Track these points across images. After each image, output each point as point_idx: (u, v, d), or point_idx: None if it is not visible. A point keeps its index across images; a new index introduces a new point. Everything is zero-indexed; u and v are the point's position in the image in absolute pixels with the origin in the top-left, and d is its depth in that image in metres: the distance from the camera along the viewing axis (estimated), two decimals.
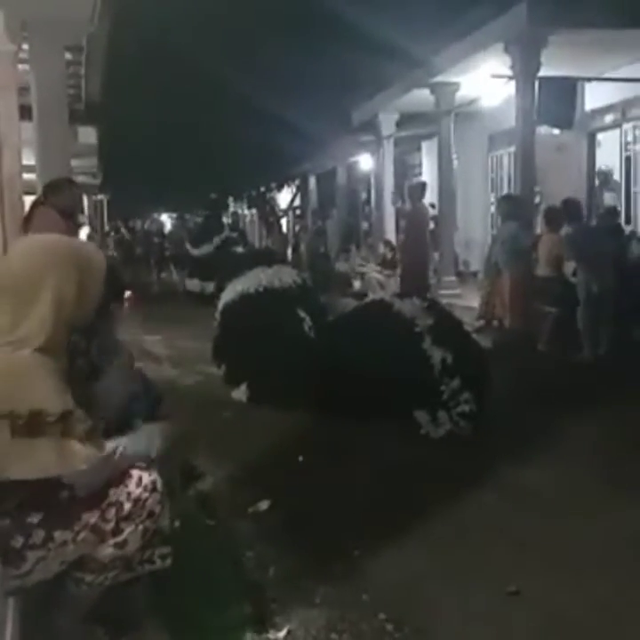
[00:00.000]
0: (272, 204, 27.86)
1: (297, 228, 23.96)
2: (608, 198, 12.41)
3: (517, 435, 5.52)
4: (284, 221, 26.53)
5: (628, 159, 12.37)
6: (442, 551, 3.75)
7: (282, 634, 3.08)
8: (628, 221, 11.67)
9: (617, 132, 12.51)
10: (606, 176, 12.60)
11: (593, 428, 5.67)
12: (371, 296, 10.04)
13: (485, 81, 11.70)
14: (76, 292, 2.36)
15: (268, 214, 26.45)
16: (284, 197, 28.21)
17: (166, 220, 41.94)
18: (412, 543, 3.83)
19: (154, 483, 2.52)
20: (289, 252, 17.09)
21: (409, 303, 6.15)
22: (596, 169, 12.97)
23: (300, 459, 5.08)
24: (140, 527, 2.48)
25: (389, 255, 14.42)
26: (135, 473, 2.52)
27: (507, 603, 3.26)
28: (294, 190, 26.99)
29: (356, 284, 14.76)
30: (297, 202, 27.13)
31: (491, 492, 4.47)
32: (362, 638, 3.03)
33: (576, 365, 7.73)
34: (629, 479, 4.61)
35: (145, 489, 2.50)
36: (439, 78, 12.43)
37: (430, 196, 14.01)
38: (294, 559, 3.67)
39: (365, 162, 19.46)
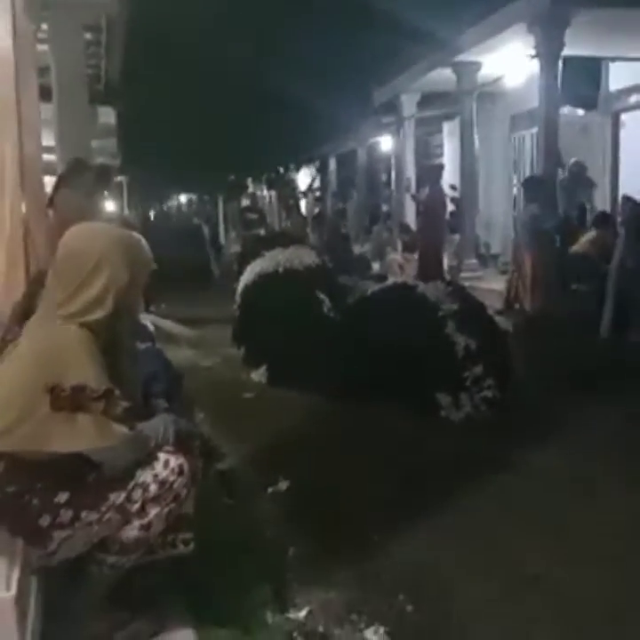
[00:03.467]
0: (292, 185, 27.78)
1: (316, 209, 23.88)
2: None
3: (539, 419, 5.48)
4: (303, 203, 26.45)
5: None
6: (460, 534, 3.75)
7: (302, 614, 3.10)
8: None
9: None
10: None
11: (618, 412, 5.61)
12: (391, 279, 10.01)
13: (508, 60, 11.55)
14: (127, 280, 2.49)
15: (288, 196, 26.37)
16: (303, 179, 28.11)
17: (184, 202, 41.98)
18: (431, 525, 3.83)
19: (181, 466, 2.53)
20: (308, 233, 17.03)
21: (433, 287, 6.12)
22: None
23: (320, 441, 5.08)
24: (166, 509, 2.49)
25: (407, 238, 14.34)
26: (162, 455, 2.53)
27: (526, 586, 3.26)
28: (314, 172, 26.88)
29: (376, 267, 14.71)
30: (317, 183, 27.03)
31: (510, 475, 4.46)
32: (381, 619, 3.04)
33: (600, 346, 7.60)
34: None
35: (172, 472, 2.51)
36: (461, 57, 12.28)
37: (452, 178, 13.91)
38: (314, 540, 3.68)
39: (386, 143, 19.31)
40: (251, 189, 30.95)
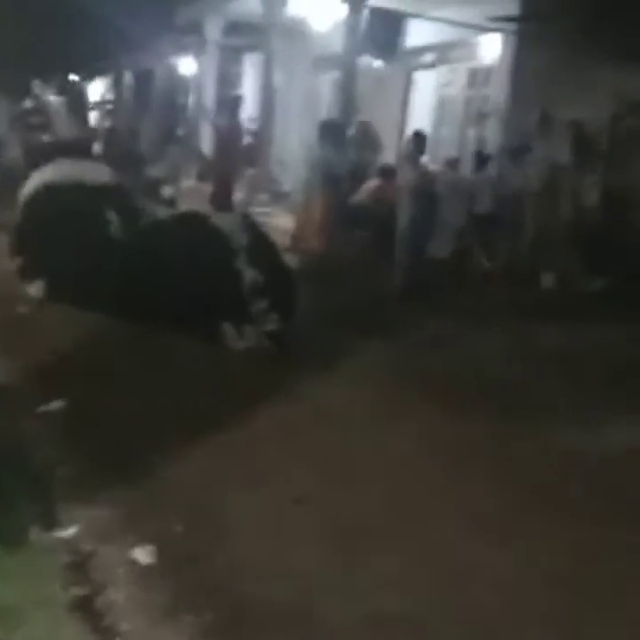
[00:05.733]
0: (83, 94, 26.11)
1: (108, 123, 22.70)
2: None
3: (318, 352, 5.67)
4: (93, 115, 25.01)
5: (440, 101, 12.78)
6: (235, 459, 3.86)
7: (69, 532, 3.06)
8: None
9: (433, 72, 12.85)
10: None
11: (391, 346, 5.97)
12: (181, 205, 9.84)
13: (314, 1, 11.58)
14: None
15: (78, 105, 24.77)
16: (96, 90, 26.54)
17: None
18: (207, 450, 3.90)
19: None
20: (97, 147, 16.18)
21: (226, 218, 6.09)
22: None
23: (98, 362, 4.96)
24: None
25: (202, 165, 14.10)
26: None
27: (292, 508, 3.43)
28: (109, 84, 25.46)
29: (168, 191, 14.33)
30: (110, 96, 25.63)
31: (286, 404, 4.62)
32: (150, 538, 3.07)
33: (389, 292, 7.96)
34: (413, 400, 4.92)
35: None
36: None
37: (250, 111, 13.80)
38: (86, 461, 3.64)
39: (187, 65, 18.69)
40: (37, 92, 28.70)
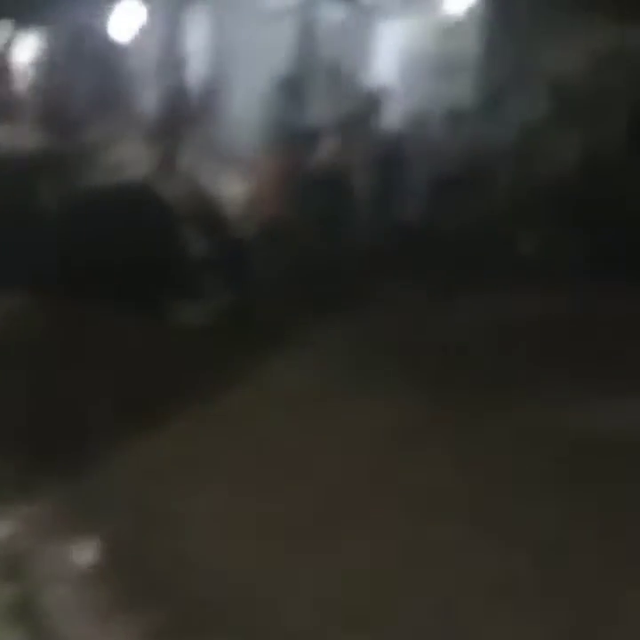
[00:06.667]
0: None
1: (38, 83, 22.30)
2: None
3: (274, 328, 5.62)
4: (22, 74, 24.53)
5: (407, 53, 12.74)
6: (185, 444, 3.93)
7: (4, 530, 3.07)
8: None
9: (399, 22, 12.80)
10: None
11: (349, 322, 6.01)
12: (124, 172, 9.75)
13: None
14: None
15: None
16: (25, 47, 25.98)
17: None
18: (156, 435, 3.95)
19: None
20: (27, 110, 15.89)
21: (172, 185, 6.08)
22: None
23: (36, 346, 4.93)
24: None
25: (146, 128, 13.93)
26: None
27: (239, 502, 3.46)
28: (38, 40, 24.94)
29: (108, 156, 14.14)
30: (41, 54, 25.16)
31: (239, 383, 4.67)
32: (90, 536, 3.10)
33: None
34: (378, 378, 4.96)
35: None
36: None
37: (198, 68, 13.64)
38: (22, 456, 3.65)
39: (125, 21, 18.40)
40: None
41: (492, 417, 4.44)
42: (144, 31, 15.38)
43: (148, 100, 15.00)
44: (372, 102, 8.64)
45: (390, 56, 12.88)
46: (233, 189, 10.81)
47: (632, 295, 6.59)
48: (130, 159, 13.23)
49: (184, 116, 11.80)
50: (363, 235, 7.95)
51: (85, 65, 20.28)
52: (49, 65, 22.92)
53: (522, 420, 4.44)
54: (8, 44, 24.09)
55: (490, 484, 3.72)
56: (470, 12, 10.78)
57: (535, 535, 3.29)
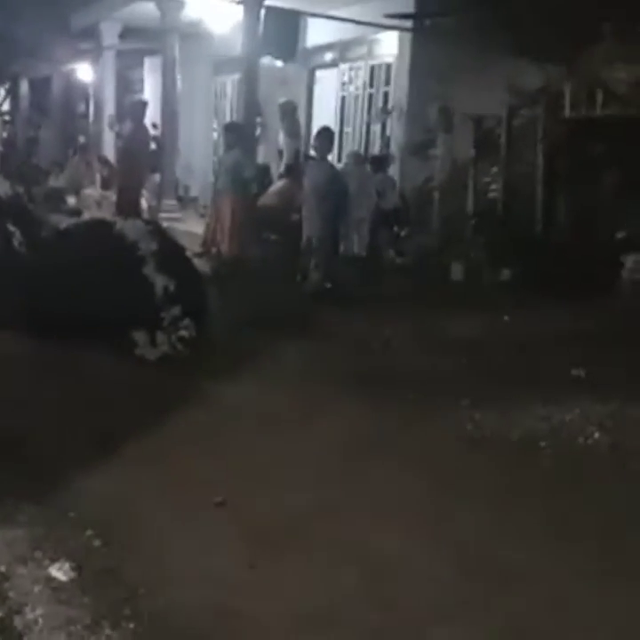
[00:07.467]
0: None
1: (5, 134, 22.07)
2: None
3: (232, 356, 5.69)
4: None
5: (342, 99, 12.94)
6: (152, 468, 3.85)
7: None
8: (339, 160, 12.26)
9: (335, 71, 13.00)
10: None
11: (300, 348, 6.04)
12: (86, 214, 9.68)
13: (211, 4, 11.57)
14: None
15: None
16: None
17: None
18: (123, 460, 3.90)
19: None
20: None
21: (131, 225, 6.04)
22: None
23: (6, 378, 4.83)
24: None
25: (106, 173, 13.89)
26: None
27: (212, 514, 3.44)
28: (3, 93, 24.68)
29: (71, 201, 14.06)
30: (6, 106, 24.87)
31: (201, 409, 4.64)
32: (67, 555, 3.03)
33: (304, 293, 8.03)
34: (327, 396, 5.00)
35: None
36: None
37: (152, 116, 13.66)
38: None
39: (85, 72, 18.33)
40: None
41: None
42: (102, 82, 15.38)
43: (110, 146, 14.97)
44: (317, 143, 8.65)
45: (329, 101, 13.08)
46: (191, 228, 10.83)
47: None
48: (94, 202, 13.17)
49: (143, 160, 11.79)
50: (314, 267, 8.00)
51: (49, 116, 20.08)
52: (15, 117, 22.63)
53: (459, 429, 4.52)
54: None
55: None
56: (398, 58, 10.99)
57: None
